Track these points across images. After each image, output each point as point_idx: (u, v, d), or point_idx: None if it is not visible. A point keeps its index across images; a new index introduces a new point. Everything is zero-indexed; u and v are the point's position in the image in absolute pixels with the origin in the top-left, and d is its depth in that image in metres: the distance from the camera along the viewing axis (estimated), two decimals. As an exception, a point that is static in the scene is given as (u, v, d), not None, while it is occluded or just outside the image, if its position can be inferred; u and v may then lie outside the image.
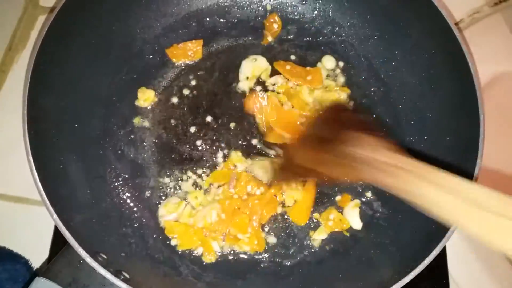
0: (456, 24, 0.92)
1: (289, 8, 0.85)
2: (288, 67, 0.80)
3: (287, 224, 0.73)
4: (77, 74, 0.71)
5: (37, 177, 0.57)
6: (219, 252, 0.71)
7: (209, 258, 0.70)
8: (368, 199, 0.75)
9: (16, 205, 0.80)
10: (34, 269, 0.74)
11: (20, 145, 0.82)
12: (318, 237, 0.72)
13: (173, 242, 0.70)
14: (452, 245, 0.74)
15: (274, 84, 0.80)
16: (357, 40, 0.83)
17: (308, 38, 0.84)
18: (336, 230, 0.72)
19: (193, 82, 0.81)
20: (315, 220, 0.73)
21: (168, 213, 0.72)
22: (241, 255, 0.71)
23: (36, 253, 0.75)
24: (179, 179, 0.75)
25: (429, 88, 0.74)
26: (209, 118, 0.78)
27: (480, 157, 0.61)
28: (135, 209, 0.72)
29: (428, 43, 0.73)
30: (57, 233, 0.74)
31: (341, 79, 0.81)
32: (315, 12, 0.84)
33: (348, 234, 0.73)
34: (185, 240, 0.70)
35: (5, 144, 0.84)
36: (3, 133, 0.85)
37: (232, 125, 0.78)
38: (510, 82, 0.91)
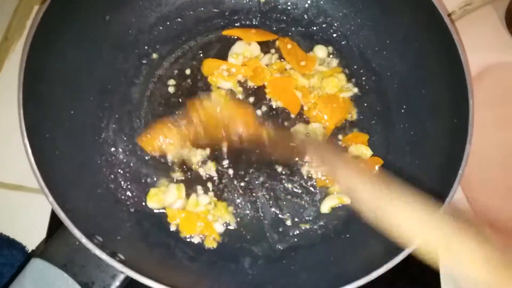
0: (448, 15, 0.93)
1: (282, -1, 0.86)
2: (289, 46, 0.81)
3: (281, 210, 0.74)
4: (73, 61, 0.72)
5: (32, 160, 0.58)
6: (222, 234, 0.72)
7: (212, 243, 0.71)
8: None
9: (13, 192, 0.81)
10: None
11: (16, 133, 0.83)
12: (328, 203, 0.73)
13: (172, 228, 0.71)
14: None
15: (267, 65, 0.81)
16: (349, 30, 0.84)
17: (301, 29, 0.86)
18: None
19: (188, 72, 0.82)
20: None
21: (158, 202, 0.73)
22: (235, 238, 0.72)
23: (33, 239, 0.76)
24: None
25: (420, 77, 0.75)
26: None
27: (469, 142, 0.62)
28: (130, 194, 0.73)
29: (420, 33, 0.74)
30: (53, 219, 0.75)
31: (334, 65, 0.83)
32: (308, 2, 0.85)
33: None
34: (188, 226, 0.70)
35: (1, 132, 0.84)
36: (-1, 120, 0.86)
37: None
38: (500, 73, 0.92)
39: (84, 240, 0.54)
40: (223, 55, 0.83)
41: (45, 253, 0.57)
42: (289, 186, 0.76)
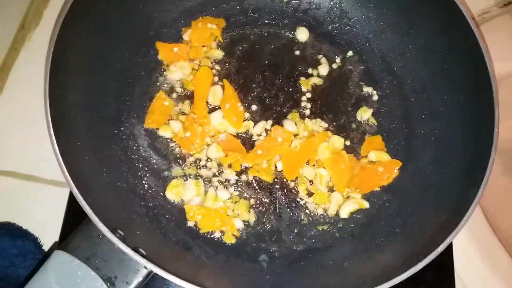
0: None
1: (305, -1, 0.85)
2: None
3: (298, 211, 0.74)
4: (95, 54, 0.71)
5: (57, 151, 0.57)
6: (241, 230, 0.72)
7: (231, 238, 0.70)
8: (377, 190, 0.76)
9: (27, 182, 0.80)
10: (42, 247, 0.75)
11: (31, 123, 0.83)
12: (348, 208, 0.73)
13: (189, 224, 0.71)
14: (458, 241, 0.76)
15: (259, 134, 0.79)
16: (371, 33, 0.84)
17: (322, 30, 0.85)
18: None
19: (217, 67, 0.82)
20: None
21: (176, 195, 0.73)
22: (253, 237, 0.72)
23: (45, 231, 0.76)
24: (197, 161, 0.76)
25: (442, 82, 0.75)
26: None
27: (494, 149, 0.62)
28: (149, 188, 0.72)
29: (444, 38, 0.74)
30: (69, 212, 0.74)
31: (326, 69, 0.83)
32: (331, 3, 0.85)
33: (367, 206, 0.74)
34: (206, 223, 0.70)
35: (16, 121, 0.84)
36: (13, 110, 0.85)
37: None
38: (517, 82, 0.92)
39: (108, 234, 0.54)
40: (250, 54, 0.83)
41: (68, 245, 0.56)
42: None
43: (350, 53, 0.84)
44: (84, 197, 0.56)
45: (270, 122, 0.79)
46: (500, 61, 0.91)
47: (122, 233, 0.58)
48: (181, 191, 0.72)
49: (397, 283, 0.56)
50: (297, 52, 0.84)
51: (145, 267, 0.56)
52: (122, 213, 0.65)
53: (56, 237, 0.74)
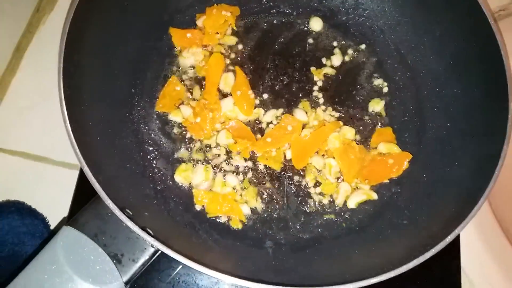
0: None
1: (320, -11, 0.85)
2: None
3: (305, 200, 0.74)
4: (109, 36, 0.72)
5: (69, 128, 0.57)
6: (248, 216, 0.72)
7: (237, 223, 0.71)
8: (386, 182, 0.75)
9: (38, 163, 0.81)
10: (51, 227, 0.76)
11: (43, 105, 0.84)
12: (355, 199, 0.73)
13: (197, 208, 0.71)
14: (465, 236, 0.75)
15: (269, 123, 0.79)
16: (386, 25, 0.83)
17: (336, 20, 0.85)
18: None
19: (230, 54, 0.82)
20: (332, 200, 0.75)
21: (185, 178, 0.73)
22: (260, 224, 0.72)
23: (54, 211, 0.77)
24: (206, 146, 0.76)
25: (456, 76, 0.74)
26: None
27: (506, 143, 0.61)
28: (158, 171, 0.73)
29: (459, 32, 0.73)
30: (78, 192, 0.75)
31: (339, 59, 0.83)
32: (346, -6, 0.85)
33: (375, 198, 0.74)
34: (214, 208, 0.70)
35: (28, 103, 0.85)
36: (26, 92, 0.86)
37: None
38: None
39: (117, 212, 0.54)
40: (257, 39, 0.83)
41: (77, 222, 0.56)
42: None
43: (363, 44, 0.84)
44: (94, 175, 0.56)
45: (280, 110, 0.79)
46: (514, 59, 0.90)
47: (130, 212, 0.58)
48: (189, 175, 0.73)
49: (402, 272, 0.55)
50: (311, 42, 0.84)
51: (152, 246, 0.56)
52: (131, 193, 0.65)
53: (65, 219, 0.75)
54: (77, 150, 0.57)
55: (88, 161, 0.57)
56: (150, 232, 0.57)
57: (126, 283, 0.55)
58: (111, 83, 0.73)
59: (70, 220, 0.57)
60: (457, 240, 0.75)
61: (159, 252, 0.56)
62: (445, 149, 0.73)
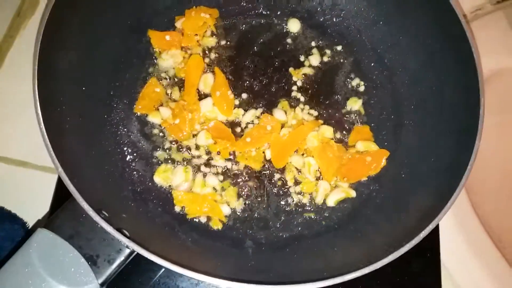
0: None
1: (298, -9, 0.86)
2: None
3: (285, 199, 0.74)
4: (87, 39, 0.72)
5: (44, 130, 0.57)
6: (228, 216, 0.72)
7: (218, 224, 0.71)
8: (364, 180, 0.76)
9: (17, 168, 0.81)
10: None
11: (24, 110, 0.83)
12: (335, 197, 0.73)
13: (176, 209, 0.71)
14: (444, 231, 0.76)
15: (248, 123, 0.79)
16: (362, 25, 0.84)
17: (314, 21, 0.86)
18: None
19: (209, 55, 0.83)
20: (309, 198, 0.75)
21: (165, 180, 0.73)
22: (240, 223, 0.72)
23: (33, 215, 0.76)
24: (186, 147, 0.76)
25: (431, 74, 0.75)
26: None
27: (479, 138, 0.62)
28: (137, 173, 0.73)
29: (433, 31, 0.74)
30: (57, 195, 0.75)
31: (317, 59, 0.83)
32: (323, -4, 0.86)
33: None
34: (193, 209, 0.70)
35: (9, 108, 0.84)
36: (7, 97, 0.86)
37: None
38: (508, 78, 0.93)
39: (91, 213, 0.54)
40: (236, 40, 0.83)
41: (52, 224, 0.56)
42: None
43: (341, 44, 0.85)
44: (69, 176, 0.56)
45: (260, 110, 0.79)
46: (492, 57, 0.92)
47: (106, 214, 0.58)
48: (169, 176, 0.73)
49: (378, 268, 0.56)
50: (289, 42, 0.85)
51: (127, 247, 0.56)
52: (108, 195, 0.65)
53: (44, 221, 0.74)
54: (52, 152, 0.57)
55: (64, 163, 0.57)
56: (126, 233, 0.57)
57: (101, 285, 0.55)
58: (89, 85, 0.72)
59: (45, 222, 0.57)
60: (436, 235, 0.75)
61: (135, 253, 0.56)
62: (421, 145, 0.74)
